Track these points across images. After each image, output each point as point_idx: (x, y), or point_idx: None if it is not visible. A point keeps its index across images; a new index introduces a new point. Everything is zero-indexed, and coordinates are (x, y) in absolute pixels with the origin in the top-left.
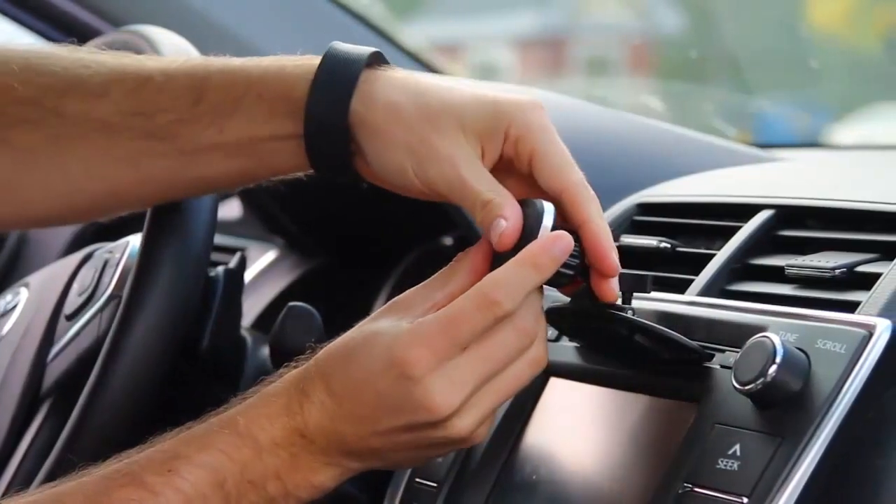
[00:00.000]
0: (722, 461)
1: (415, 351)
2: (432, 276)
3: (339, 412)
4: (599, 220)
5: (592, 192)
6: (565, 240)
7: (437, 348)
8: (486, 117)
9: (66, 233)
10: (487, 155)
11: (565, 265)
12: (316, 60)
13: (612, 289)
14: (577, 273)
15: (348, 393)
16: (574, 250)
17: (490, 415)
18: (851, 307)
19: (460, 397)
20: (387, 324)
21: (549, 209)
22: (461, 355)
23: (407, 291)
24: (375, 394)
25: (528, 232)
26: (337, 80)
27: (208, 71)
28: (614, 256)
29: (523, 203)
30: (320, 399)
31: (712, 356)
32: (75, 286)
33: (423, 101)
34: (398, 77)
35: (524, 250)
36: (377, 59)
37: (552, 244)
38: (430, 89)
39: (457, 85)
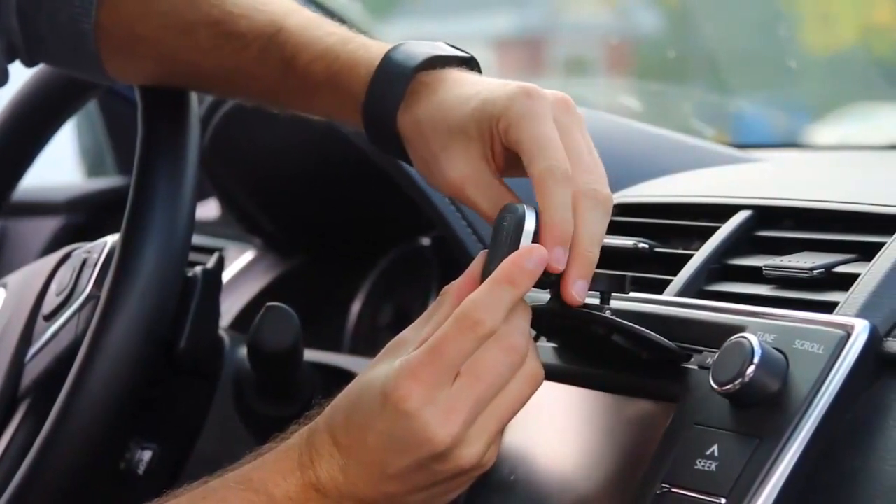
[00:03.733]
0: (700, 462)
1: (404, 385)
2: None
3: (347, 462)
4: (554, 211)
5: (557, 181)
6: (538, 252)
7: (425, 379)
8: (484, 121)
9: (45, 233)
10: (496, 156)
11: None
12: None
13: (571, 291)
14: (557, 277)
15: (352, 441)
16: None
17: (497, 438)
18: (829, 308)
19: (458, 425)
20: (381, 367)
21: (530, 214)
22: (453, 383)
23: (400, 333)
24: (377, 436)
25: (511, 238)
26: (387, 92)
27: (296, 50)
28: (559, 257)
29: (506, 208)
30: (329, 452)
31: (690, 356)
32: (53, 286)
33: (438, 119)
34: (433, 87)
35: (499, 268)
36: (430, 63)
37: (525, 259)
38: (444, 105)
39: (474, 89)
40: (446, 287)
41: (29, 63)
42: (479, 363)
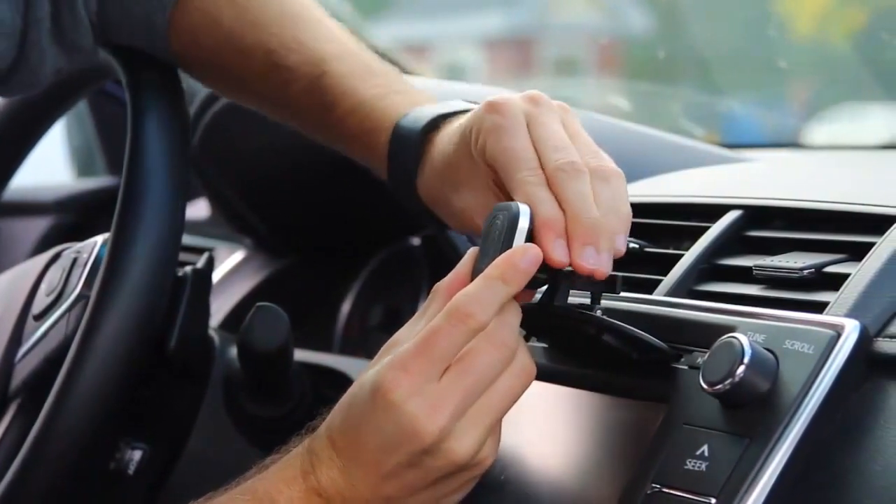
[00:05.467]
0: (690, 462)
1: (392, 376)
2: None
3: (346, 464)
4: (540, 208)
5: (532, 184)
6: (532, 251)
7: (413, 370)
8: (466, 147)
9: (35, 233)
10: (498, 180)
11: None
12: (406, 107)
13: (578, 260)
14: (549, 276)
15: (349, 441)
16: None
17: (491, 433)
18: (819, 308)
19: (445, 416)
20: (375, 367)
21: (524, 211)
22: (442, 375)
23: (395, 334)
24: (370, 432)
25: (505, 236)
26: (402, 163)
27: (335, 97)
28: (558, 250)
29: (498, 207)
30: (328, 455)
31: (680, 356)
32: (43, 286)
33: (441, 166)
34: (436, 143)
35: (492, 265)
36: (434, 123)
37: (519, 257)
38: (443, 152)
39: (457, 125)
40: (436, 285)
41: (101, 43)
42: (468, 357)
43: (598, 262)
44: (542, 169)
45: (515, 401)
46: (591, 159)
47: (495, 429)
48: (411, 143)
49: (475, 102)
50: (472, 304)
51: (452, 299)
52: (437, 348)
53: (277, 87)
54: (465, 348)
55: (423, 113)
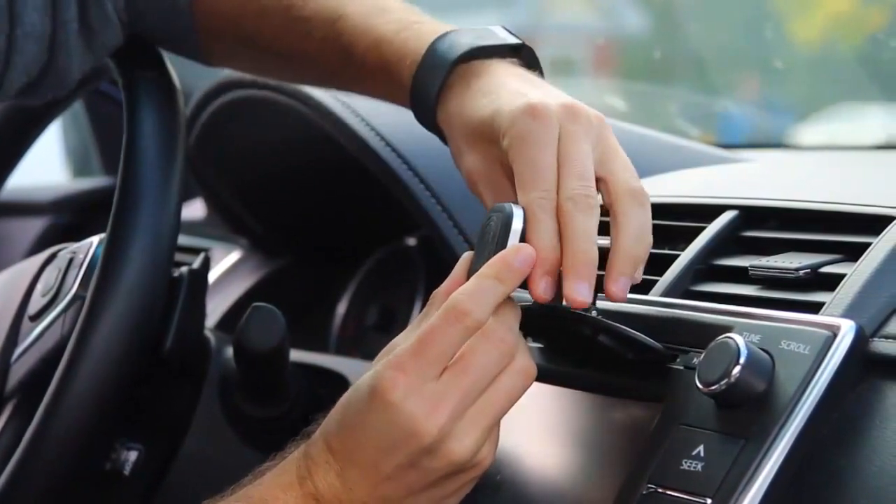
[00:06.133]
0: (686, 462)
1: (390, 376)
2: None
3: (343, 467)
4: (539, 239)
5: (543, 210)
6: (526, 251)
7: (411, 369)
8: (494, 131)
9: (31, 233)
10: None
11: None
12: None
13: (571, 295)
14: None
15: (345, 444)
16: None
17: (489, 434)
18: (815, 308)
19: (444, 415)
20: (372, 370)
21: (517, 213)
22: (440, 375)
23: (394, 339)
24: (367, 433)
25: (499, 237)
26: (428, 84)
27: (353, 38)
28: (542, 286)
29: (495, 209)
30: (324, 459)
31: (676, 357)
32: (39, 287)
33: (464, 115)
34: (466, 82)
35: (487, 264)
36: (470, 54)
37: (513, 257)
38: (469, 104)
39: (493, 95)
40: (434, 292)
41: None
42: (466, 357)
43: (587, 296)
44: (557, 191)
45: (515, 401)
46: (631, 179)
47: (494, 430)
48: (439, 69)
49: (516, 36)
50: (468, 302)
51: (448, 299)
52: (434, 348)
53: (297, 41)
54: (463, 347)
55: (460, 39)
